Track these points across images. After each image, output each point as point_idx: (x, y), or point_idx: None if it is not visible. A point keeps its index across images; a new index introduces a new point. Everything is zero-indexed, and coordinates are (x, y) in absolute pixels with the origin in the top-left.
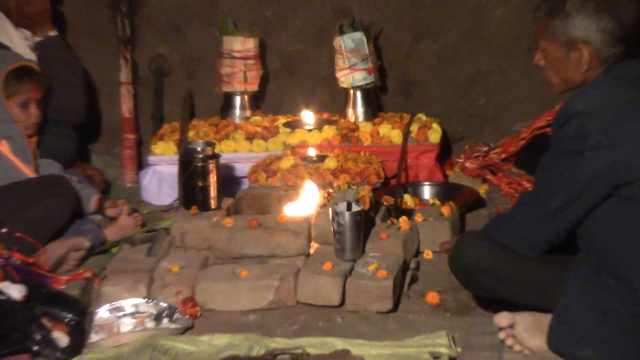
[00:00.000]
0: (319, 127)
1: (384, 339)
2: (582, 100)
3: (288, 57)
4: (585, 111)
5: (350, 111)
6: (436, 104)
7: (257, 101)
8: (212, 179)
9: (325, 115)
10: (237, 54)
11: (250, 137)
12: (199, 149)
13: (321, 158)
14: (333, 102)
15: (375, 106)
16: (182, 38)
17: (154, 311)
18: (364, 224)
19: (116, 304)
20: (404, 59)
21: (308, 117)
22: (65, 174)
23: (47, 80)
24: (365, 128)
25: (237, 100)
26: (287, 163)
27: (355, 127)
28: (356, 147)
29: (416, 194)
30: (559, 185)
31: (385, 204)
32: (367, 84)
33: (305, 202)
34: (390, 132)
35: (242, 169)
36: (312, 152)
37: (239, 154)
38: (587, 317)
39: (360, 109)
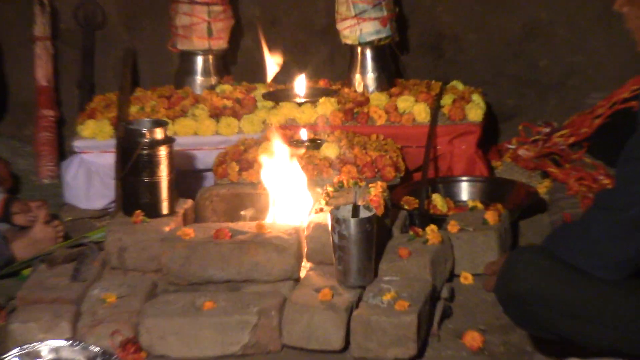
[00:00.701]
0: (314, 99)
1: None
2: None
3: (269, 1)
4: None
5: (357, 77)
6: (478, 68)
7: (226, 64)
8: (164, 172)
9: (322, 83)
10: None
11: (216, 114)
12: (144, 130)
13: (316, 143)
14: (333, 64)
15: (392, 70)
16: None
17: (81, 358)
18: (376, 236)
19: (29, 347)
20: (432, 5)
21: (298, 85)
22: None
23: None
24: (379, 101)
25: (199, 62)
26: (268, 149)
27: (364, 100)
28: (365, 127)
29: (450, 193)
30: None
31: (406, 207)
32: (380, 40)
33: (294, 205)
34: (414, 107)
35: (205, 158)
36: (303, 134)
37: (201, 137)
38: None
39: (371, 75)
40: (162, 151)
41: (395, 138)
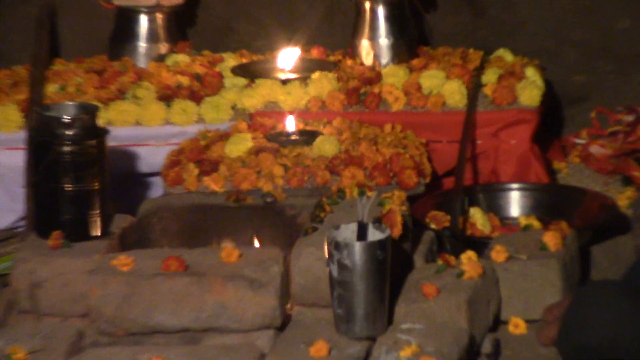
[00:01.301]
0: (304, 75)
1: None
2: None
3: None
4: None
5: (364, 44)
6: (533, 31)
7: (180, 25)
8: (93, 177)
9: (315, 53)
10: None
11: (167, 96)
12: (66, 118)
13: (307, 137)
14: (330, 26)
15: (413, 35)
16: None
17: None
18: (390, 267)
19: None
20: None
21: (282, 55)
22: None
23: None
24: (395, 78)
25: (142, 22)
26: (239, 146)
27: (374, 77)
28: (377, 114)
29: (494, 207)
30: None
31: (433, 227)
32: None
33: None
34: (444, 86)
35: (151, 157)
36: (290, 124)
37: (146, 128)
38: None
39: (384, 41)
40: (91, 148)
41: (418, 129)
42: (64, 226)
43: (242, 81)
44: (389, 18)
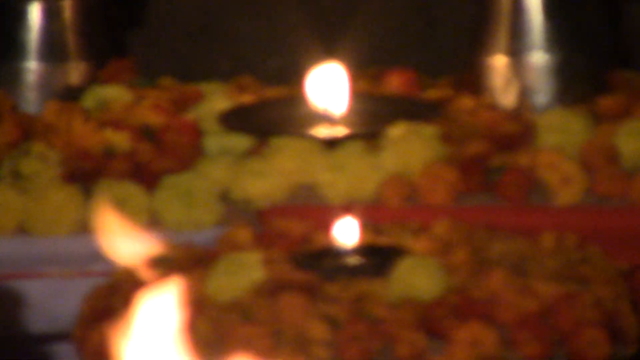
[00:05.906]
0: (372, 130)
1: None
2: None
3: None
4: None
5: (498, 66)
6: None
7: (112, 26)
8: None
9: (396, 82)
10: None
11: (84, 174)
12: None
13: (380, 259)
14: (426, 26)
15: (602, 45)
16: None
17: None
18: None
19: None
20: None
21: (325, 87)
22: None
23: None
24: (564, 134)
25: (32, 18)
26: (236, 279)
27: (518, 132)
28: (524, 211)
29: None
30: None
31: None
32: None
33: None
34: None
35: (52, 302)
36: (343, 232)
37: (41, 241)
38: None
39: (541, 57)
40: None
41: (611, 244)
42: None
43: (241, 142)
44: (552, 12)
